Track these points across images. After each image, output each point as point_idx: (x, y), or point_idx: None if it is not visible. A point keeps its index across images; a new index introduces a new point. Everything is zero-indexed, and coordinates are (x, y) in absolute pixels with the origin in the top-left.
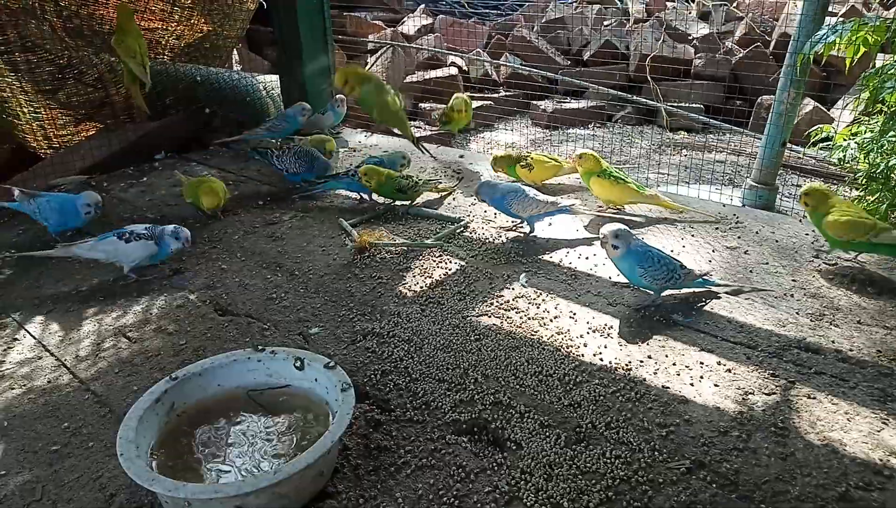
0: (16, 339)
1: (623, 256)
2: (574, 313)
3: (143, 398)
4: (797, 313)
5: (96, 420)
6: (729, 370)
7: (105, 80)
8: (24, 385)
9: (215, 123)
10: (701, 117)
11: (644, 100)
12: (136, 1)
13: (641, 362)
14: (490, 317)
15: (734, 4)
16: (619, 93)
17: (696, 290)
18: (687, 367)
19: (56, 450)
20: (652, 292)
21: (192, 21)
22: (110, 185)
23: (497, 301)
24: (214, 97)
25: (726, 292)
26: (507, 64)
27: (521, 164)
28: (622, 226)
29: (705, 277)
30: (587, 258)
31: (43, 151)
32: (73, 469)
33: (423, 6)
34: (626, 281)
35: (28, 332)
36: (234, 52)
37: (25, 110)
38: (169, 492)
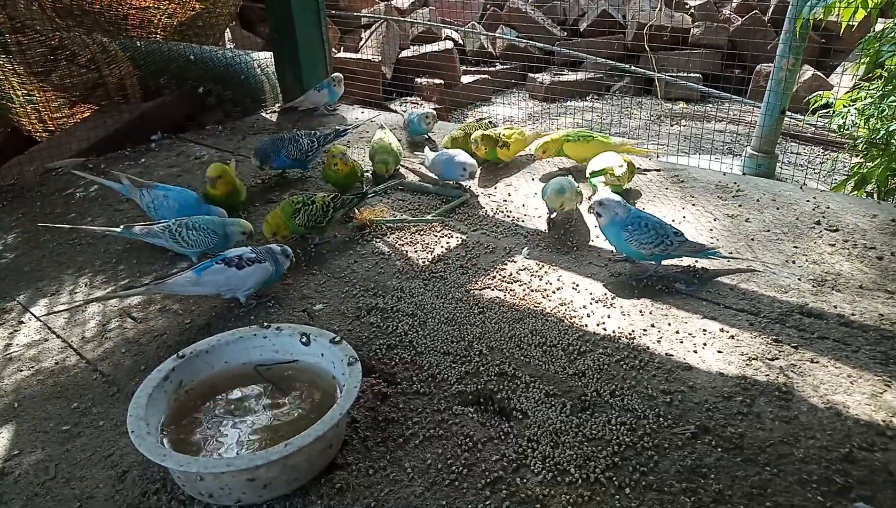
0: (21, 322)
1: (608, 223)
2: (576, 285)
3: (152, 375)
4: (799, 279)
5: (105, 400)
6: (732, 337)
7: (98, 60)
8: (33, 367)
9: (210, 102)
10: (699, 87)
11: (642, 70)
12: None
13: (645, 330)
14: (493, 290)
15: None
16: (617, 63)
17: (700, 262)
18: (690, 335)
19: (67, 430)
20: (649, 263)
21: None
22: (107, 167)
23: (500, 274)
24: (209, 76)
25: (735, 266)
26: (503, 37)
27: (499, 144)
28: (610, 195)
29: (712, 250)
30: (589, 231)
31: (38, 134)
32: (84, 448)
33: None
34: (621, 252)
35: (33, 315)
36: (227, 30)
37: (19, 93)
38: (181, 467)
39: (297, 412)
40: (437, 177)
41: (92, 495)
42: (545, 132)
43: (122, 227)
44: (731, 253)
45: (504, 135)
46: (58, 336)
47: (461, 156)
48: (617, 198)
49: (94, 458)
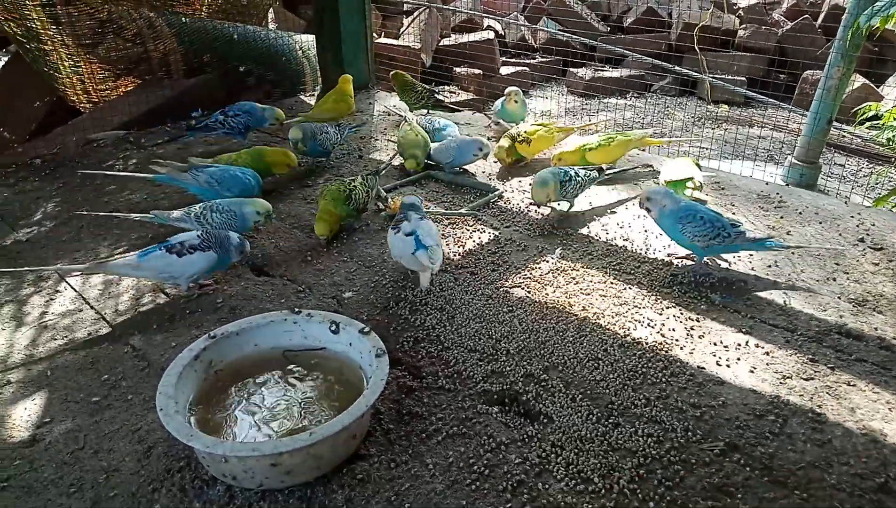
0: (58, 291)
1: (661, 216)
2: (609, 289)
3: (183, 354)
4: (839, 297)
5: (135, 374)
6: (766, 353)
7: (144, 35)
8: (66, 337)
9: (250, 82)
10: (743, 90)
11: (686, 71)
12: None
13: (677, 340)
14: (523, 289)
15: None
16: (661, 63)
17: (737, 270)
18: (724, 348)
19: (97, 401)
20: (697, 255)
21: None
22: (147, 141)
23: (531, 273)
24: (250, 56)
25: (790, 252)
26: (545, 29)
27: (519, 140)
28: (655, 187)
29: (772, 241)
30: (623, 231)
31: (82, 105)
32: (112, 421)
33: None
34: (668, 255)
35: (69, 284)
36: (271, 10)
37: (66, 64)
38: (207, 448)
39: (323, 400)
40: (449, 165)
41: (118, 468)
42: (568, 128)
43: (153, 213)
44: (769, 266)
45: (526, 131)
46: (91, 307)
47: (470, 138)
48: (662, 189)
49: (122, 431)
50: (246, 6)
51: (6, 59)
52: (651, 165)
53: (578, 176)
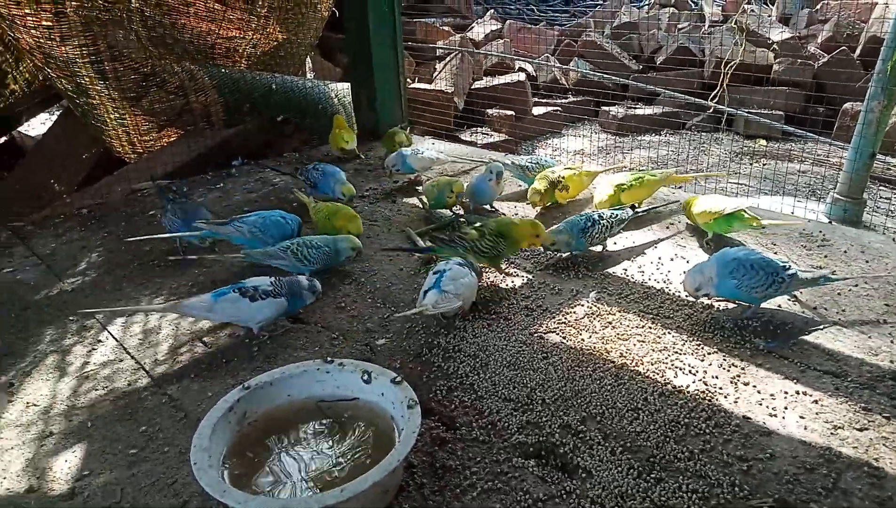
0: (99, 340)
1: (719, 286)
2: (647, 334)
3: (217, 406)
4: (892, 340)
5: (172, 425)
6: (816, 402)
7: (186, 87)
8: (106, 387)
9: (288, 130)
10: (780, 125)
11: (720, 106)
12: (214, 12)
13: (720, 388)
14: (558, 335)
15: (818, 7)
16: (695, 99)
17: (784, 311)
18: (770, 396)
19: (134, 453)
20: (752, 303)
21: (267, 30)
22: (189, 190)
23: (566, 318)
24: (288, 105)
25: (845, 284)
26: (576, 69)
27: (559, 187)
28: (699, 264)
29: (825, 278)
30: (661, 272)
31: (128, 155)
32: (149, 474)
33: (491, 11)
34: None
35: (110, 334)
36: (308, 58)
37: (112, 117)
38: (239, 504)
39: (355, 452)
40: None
41: None
42: (595, 172)
43: (244, 252)
44: (815, 308)
45: (563, 177)
46: (132, 357)
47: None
48: (701, 265)
49: (158, 485)
50: (283, 57)
51: (58, 113)
52: (679, 201)
53: (603, 219)
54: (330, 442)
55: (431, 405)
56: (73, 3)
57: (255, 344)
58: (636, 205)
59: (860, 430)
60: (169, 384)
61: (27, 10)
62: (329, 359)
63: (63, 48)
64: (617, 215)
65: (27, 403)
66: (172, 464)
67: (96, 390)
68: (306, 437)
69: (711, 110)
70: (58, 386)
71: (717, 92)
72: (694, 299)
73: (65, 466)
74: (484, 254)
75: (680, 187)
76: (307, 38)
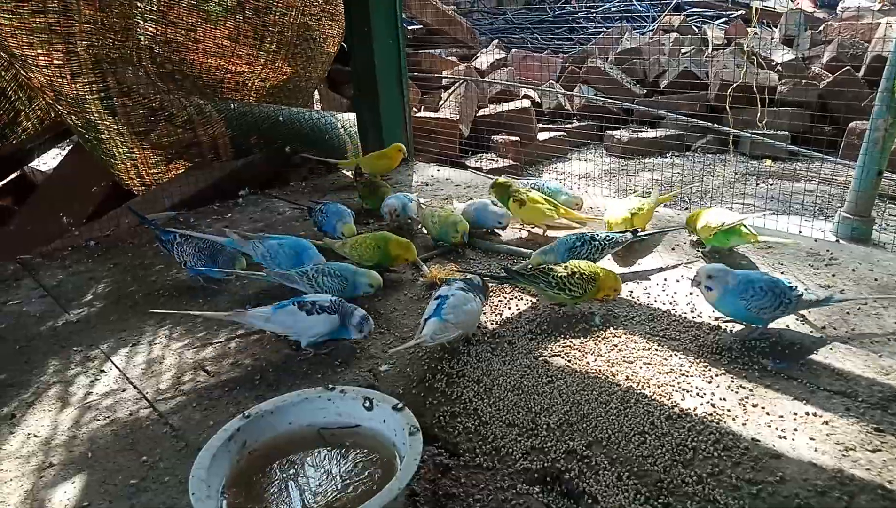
0: (102, 371)
1: (721, 296)
2: (653, 356)
3: (217, 435)
4: None
5: (172, 455)
6: (826, 423)
7: (194, 121)
8: (108, 417)
9: (294, 161)
10: (785, 145)
11: (724, 128)
12: (223, 48)
13: (728, 410)
14: (563, 358)
15: (821, 28)
16: (699, 121)
17: (790, 329)
18: (779, 418)
19: (134, 484)
20: (759, 325)
21: (276, 64)
22: (196, 220)
23: (570, 341)
24: (295, 136)
25: (844, 312)
26: (581, 95)
27: (514, 198)
28: (717, 265)
29: (831, 298)
30: (667, 294)
31: (136, 187)
32: (148, 505)
33: (496, 41)
34: (715, 318)
35: (114, 364)
36: (315, 90)
37: (121, 150)
38: None
39: (356, 481)
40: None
41: None
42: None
43: (265, 272)
44: (823, 328)
45: (528, 197)
46: (134, 387)
47: (492, 207)
48: (722, 266)
49: None
50: (292, 90)
51: (69, 148)
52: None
53: (595, 240)
54: (332, 471)
55: (435, 431)
56: (84, 42)
57: (258, 376)
58: (638, 230)
59: (873, 451)
60: (171, 414)
61: (40, 50)
62: (330, 386)
63: (73, 85)
64: (613, 237)
65: (28, 434)
66: (172, 494)
67: (98, 420)
68: (308, 466)
69: (715, 134)
70: (59, 417)
71: (727, 116)
72: (694, 286)
73: (64, 497)
74: (570, 293)
75: (677, 207)
76: (316, 72)
